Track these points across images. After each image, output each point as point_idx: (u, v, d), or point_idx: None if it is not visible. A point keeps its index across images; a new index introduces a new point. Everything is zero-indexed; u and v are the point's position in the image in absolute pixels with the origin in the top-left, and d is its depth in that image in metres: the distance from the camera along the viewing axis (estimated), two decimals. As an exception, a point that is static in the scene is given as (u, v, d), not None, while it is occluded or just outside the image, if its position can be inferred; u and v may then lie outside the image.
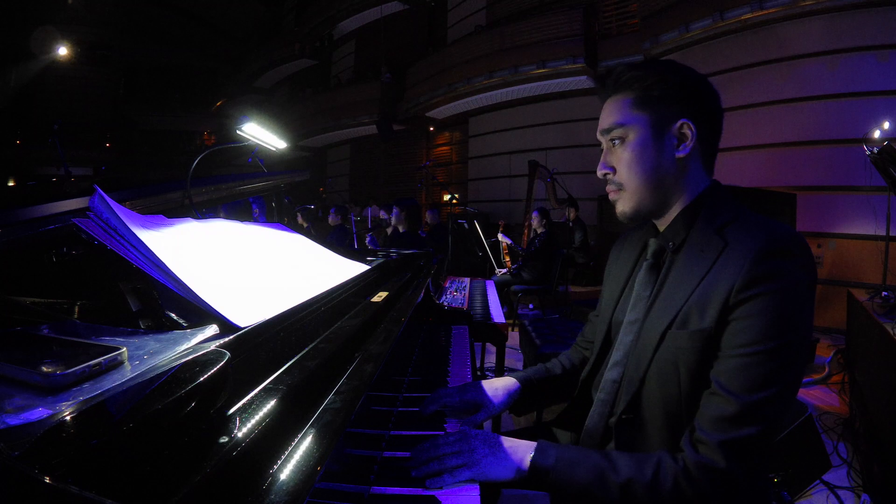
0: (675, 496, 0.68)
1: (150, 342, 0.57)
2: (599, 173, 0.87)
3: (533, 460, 0.74)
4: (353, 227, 5.57)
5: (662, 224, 0.88)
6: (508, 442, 0.76)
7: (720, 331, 0.72)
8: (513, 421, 2.78)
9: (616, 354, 0.89)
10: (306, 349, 0.65)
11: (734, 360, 0.70)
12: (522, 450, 0.75)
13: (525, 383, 1.03)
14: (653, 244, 0.89)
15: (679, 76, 0.83)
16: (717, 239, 0.77)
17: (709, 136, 0.84)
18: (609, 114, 0.86)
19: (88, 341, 0.55)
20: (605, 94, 0.88)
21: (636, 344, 0.84)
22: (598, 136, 0.88)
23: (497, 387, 1.00)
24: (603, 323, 0.97)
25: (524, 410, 1.06)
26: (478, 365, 2.10)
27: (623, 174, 0.84)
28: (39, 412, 0.39)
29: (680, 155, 0.82)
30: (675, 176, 0.83)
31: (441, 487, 0.69)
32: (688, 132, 0.81)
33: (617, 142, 0.85)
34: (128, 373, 0.48)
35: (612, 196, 0.87)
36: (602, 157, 0.88)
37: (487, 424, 2.36)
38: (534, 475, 0.73)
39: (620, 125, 0.83)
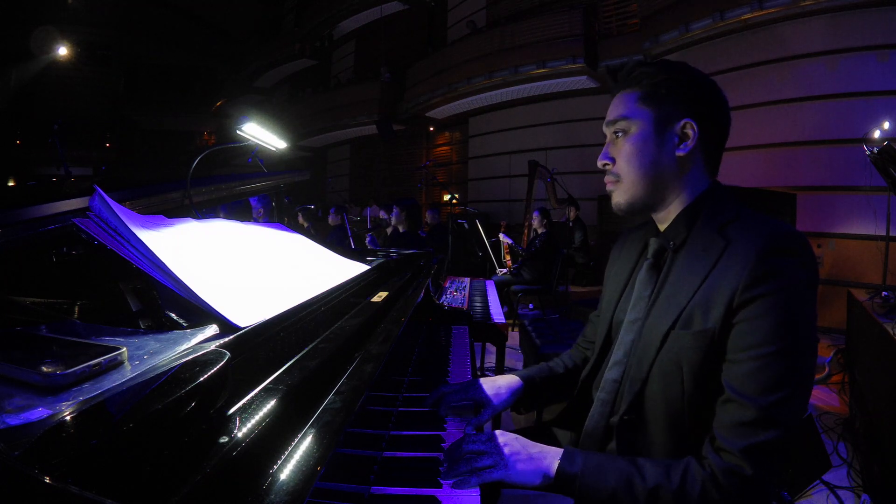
0: (703, 503, 0.68)
1: (150, 342, 0.57)
2: (599, 163, 0.89)
3: (560, 467, 0.73)
4: (348, 226, 5.55)
5: (663, 223, 0.89)
6: (536, 448, 0.76)
7: (725, 332, 0.72)
8: (513, 420, 2.78)
9: (616, 354, 0.89)
10: (306, 349, 0.65)
11: (745, 364, 0.69)
12: (551, 456, 0.75)
13: (528, 381, 1.04)
14: (653, 243, 0.89)
15: (688, 77, 0.84)
16: (719, 238, 0.77)
17: (712, 139, 0.85)
18: (616, 106, 0.87)
19: (88, 341, 0.55)
20: (616, 88, 0.89)
21: (637, 343, 0.84)
22: (604, 129, 0.90)
23: (500, 385, 1.01)
24: (603, 322, 0.97)
25: (526, 409, 1.07)
26: (478, 365, 2.10)
27: (622, 166, 0.86)
28: (39, 412, 0.39)
29: (680, 153, 0.83)
30: (674, 174, 0.84)
31: (467, 487, 0.70)
32: (690, 132, 0.82)
33: (620, 134, 0.86)
34: (128, 373, 0.48)
35: (609, 187, 0.89)
36: (604, 148, 0.89)
37: (487, 424, 2.37)
38: (560, 481, 0.73)
39: (624, 118, 0.85)
